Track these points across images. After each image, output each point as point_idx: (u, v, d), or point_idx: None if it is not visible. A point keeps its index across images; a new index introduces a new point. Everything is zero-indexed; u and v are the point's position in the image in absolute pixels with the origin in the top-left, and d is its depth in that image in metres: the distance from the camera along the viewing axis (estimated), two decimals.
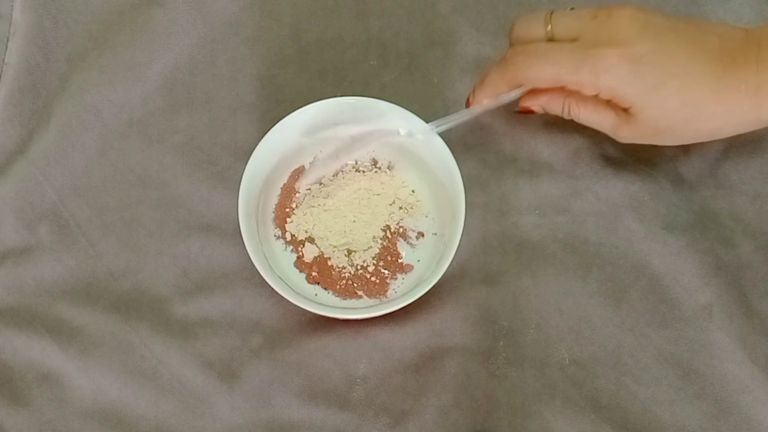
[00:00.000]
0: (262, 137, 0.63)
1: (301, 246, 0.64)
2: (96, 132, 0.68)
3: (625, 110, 0.60)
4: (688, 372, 0.62)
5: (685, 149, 0.68)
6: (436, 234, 0.64)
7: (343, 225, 0.64)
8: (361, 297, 0.63)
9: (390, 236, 0.64)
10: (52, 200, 0.66)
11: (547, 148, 0.68)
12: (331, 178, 0.65)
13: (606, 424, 0.61)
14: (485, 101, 0.62)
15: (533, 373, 0.62)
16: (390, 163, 0.66)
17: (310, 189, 0.65)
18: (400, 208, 0.65)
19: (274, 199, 0.65)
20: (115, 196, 0.67)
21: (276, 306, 0.64)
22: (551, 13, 0.61)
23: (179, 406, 0.62)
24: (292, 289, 0.61)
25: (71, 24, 0.71)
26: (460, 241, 0.60)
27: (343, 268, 0.63)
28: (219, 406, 0.62)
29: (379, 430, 0.61)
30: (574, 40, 0.59)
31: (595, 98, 0.60)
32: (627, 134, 0.61)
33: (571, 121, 0.68)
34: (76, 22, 0.72)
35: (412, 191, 0.65)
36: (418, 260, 0.64)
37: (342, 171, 0.66)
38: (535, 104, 0.63)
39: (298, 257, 0.64)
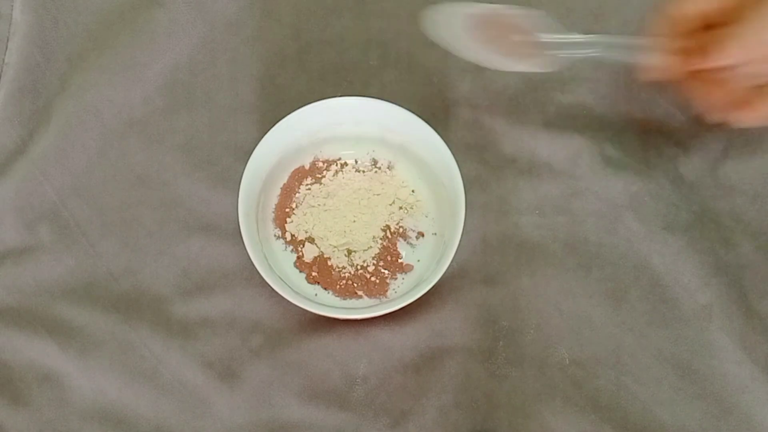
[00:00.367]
0: (262, 137, 0.63)
1: (301, 246, 0.64)
2: (96, 132, 0.68)
3: None
4: (688, 372, 0.62)
5: (685, 149, 0.68)
6: (436, 234, 0.64)
7: (343, 225, 0.64)
8: (361, 297, 0.63)
9: (390, 236, 0.64)
10: (52, 200, 0.66)
11: (547, 148, 0.68)
12: (331, 178, 0.65)
13: (606, 424, 0.61)
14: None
15: (533, 373, 0.62)
16: (390, 163, 0.66)
17: (310, 189, 0.65)
18: (400, 208, 0.65)
19: (274, 199, 0.65)
20: (115, 196, 0.67)
21: (276, 306, 0.64)
22: None
23: (179, 406, 0.62)
24: (292, 289, 0.61)
25: (71, 24, 0.71)
26: (460, 241, 0.60)
27: (343, 268, 0.63)
28: (219, 406, 0.62)
29: (379, 430, 0.61)
30: None
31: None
32: None
33: (572, 121, 0.68)
34: (76, 22, 0.72)
35: (412, 191, 0.65)
36: (418, 260, 0.64)
37: (342, 171, 0.66)
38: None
39: (298, 257, 0.64)
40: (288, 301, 0.59)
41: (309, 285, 0.63)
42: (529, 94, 0.70)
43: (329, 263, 0.63)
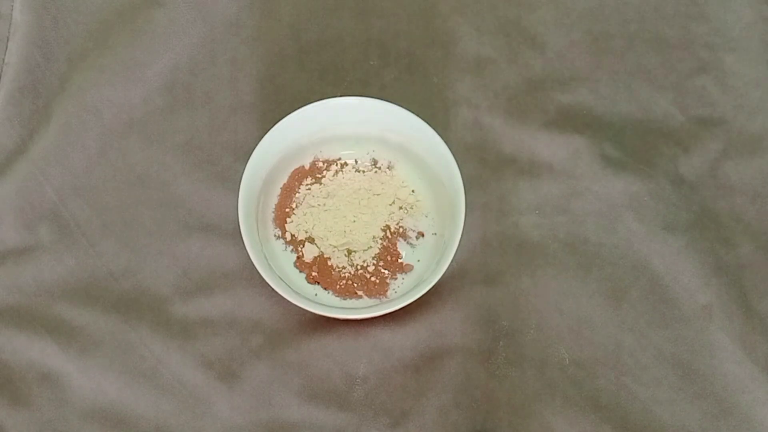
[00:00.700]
0: (262, 137, 0.63)
1: (301, 246, 0.64)
2: (96, 132, 0.68)
3: None
4: (688, 372, 0.62)
5: (685, 149, 0.68)
6: (436, 234, 0.64)
7: (343, 225, 0.64)
8: (361, 297, 0.63)
9: (390, 236, 0.64)
10: (52, 200, 0.66)
11: (547, 148, 0.68)
12: (331, 178, 0.65)
13: (606, 424, 0.61)
14: None
15: (533, 373, 0.62)
16: (390, 163, 0.66)
17: (310, 189, 0.65)
18: (400, 208, 0.65)
19: (274, 199, 0.65)
20: (115, 196, 0.67)
21: (276, 306, 0.64)
22: None
23: (179, 406, 0.62)
24: (292, 289, 0.61)
25: (71, 24, 0.71)
26: (460, 241, 0.60)
27: (343, 268, 0.63)
28: (219, 406, 0.62)
29: (379, 430, 0.61)
30: None
31: None
32: None
33: (571, 121, 0.69)
34: (76, 22, 0.72)
35: (412, 191, 0.65)
36: (418, 260, 0.64)
37: (342, 171, 0.66)
38: None
39: (298, 257, 0.64)
40: (288, 301, 0.59)
41: (309, 285, 0.63)
42: (529, 94, 0.70)
43: (329, 263, 0.63)
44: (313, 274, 0.63)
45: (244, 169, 0.62)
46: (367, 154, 0.66)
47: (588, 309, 0.64)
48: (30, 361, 0.63)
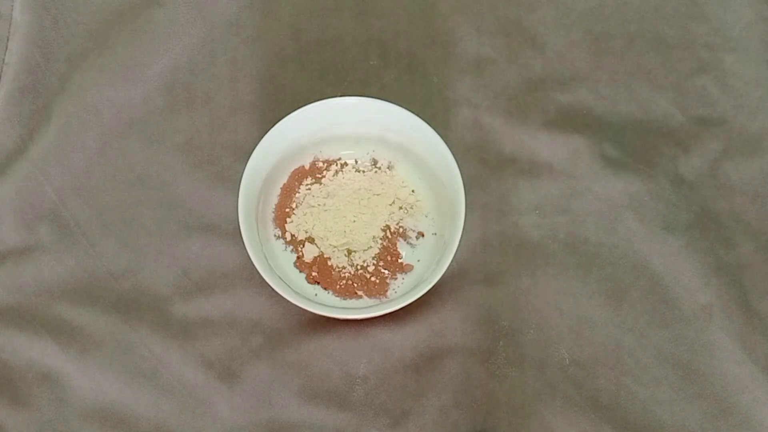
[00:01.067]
0: (262, 137, 0.63)
1: (301, 246, 0.64)
2: (96, 132, 0.68)
3: None
4: (688, 372, 0.62)
5: (685, 149, 0.68)
6: (436, 234, 0.64)
7: (343, 225, 0.64)
8: (361, 297, 0.63)
9: (390, 236, 0.64)
10: (52, 200, 0.66)
11: (547, 148, 0.68)
12: (331, 178, 0.65)
13: (606, 424, 0.61)
14: None
15: (533, 373, 0.62)
16: (390, 163, 0.66)
17: (310, 189, 0.65)
18: (400, 208, 0.65)
19: (274, 199, 0.65)
20: (115, 196, 0.67)
21: (276, 306, 0.64)
22: None
23: (179, 406, 0.62)
24: (292, 289, 0.61)
25: (71, 24, 0.71)
26: (460, 241, 0.60)
27: (343, 268, 0.63)
28: (219, 406, 0.62)
29: (379, 430, 0.61)
30: None
31: None
32: None
33: (571, 121, 0.69)
34: (76, 22, 0.72)
35: (412, 191, 0.65)
36: (418, 260, 0.64)
37: (342, 171, 0.66)
38: None
39: (298, 257, 0.64)
40: (288, 301, 0.59)
41: (309, 285, 0.63)
42: (529, 94, 0.70)
43: (329, 263, 0.63)
44: (313, 274, 0.63)
45: (244, 169, 0.62)
46: (367, 154, 0.66)
47: (588, 309, 0.64)
48: (30, 361, 0.63)
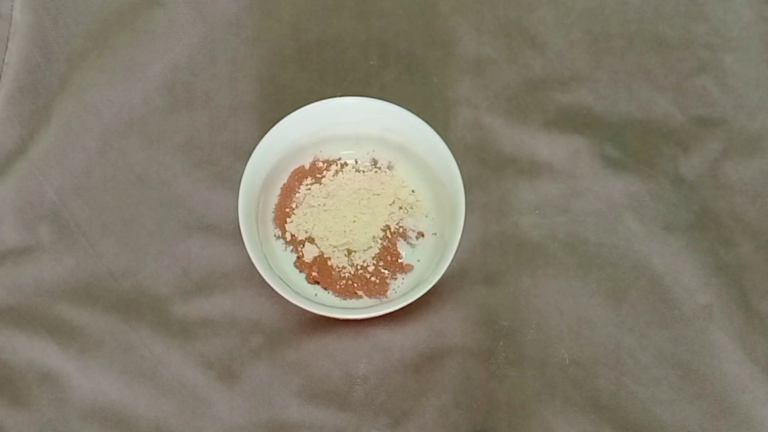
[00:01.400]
0: (262, 137, 0.63)
1: (301, 246, 0.64)
2: (96, 132, 0.68)
3: None
4: (688, 372, 0.62)
5: (685, 149, 0.68)
6: (436, 234, 0.64)
7: (343, 225, 0.64)
8: (361, 297, 0.63)
9: (390, 236, 0.64)
10: (52, 200, 0.66)
11: (547, 148, 0.68)
12: (331, 178, 0.65)
13: (606, 424, 0.61)
14: None
15: (533, 373, 0.62)
16: (390, 163, 0.66)
17: (310, 189, 0.65)
18: (400, 208, 0.65)
19: (274, 199, 0.65)
20: (115, 196, 0.67)
21: (276, 306, 0.64)
22: None
23: (179, 406, 0.62)
24: (292, 289, 0.61)
25: (71, 24, 0.71)
26: (460, 241, 0.60)
27: (343, 268, 0.63)
28: (219, 406, 0.62)
29: (379, 430, 0.61)
30: None
31: None
32: None
33: (571, 121, 0.69)
34: (76, 22, 0.72)
35: (412, 191, 0.65)
36: (418, 260, 0.64)
37: (342, 171, 0.66)
38: None
39: (298, 257, 0.64)
40: (288, 301, 0.59)
41: (309, 285, 0.63)
42: (529, 94, 0.70)
43: (329, 263, 0.63)
44: (313, 274, 0.63)
45: (244, 169, 0.62)
46: (367, 154, 0.66)
47: (588, 309, 0.64)
48: (30, 361, 0.63)
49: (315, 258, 0.63)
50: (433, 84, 0.70)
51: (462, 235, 0.60)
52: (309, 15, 0.72)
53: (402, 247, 0.64)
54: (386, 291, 0.63)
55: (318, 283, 0.63)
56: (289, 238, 0.64)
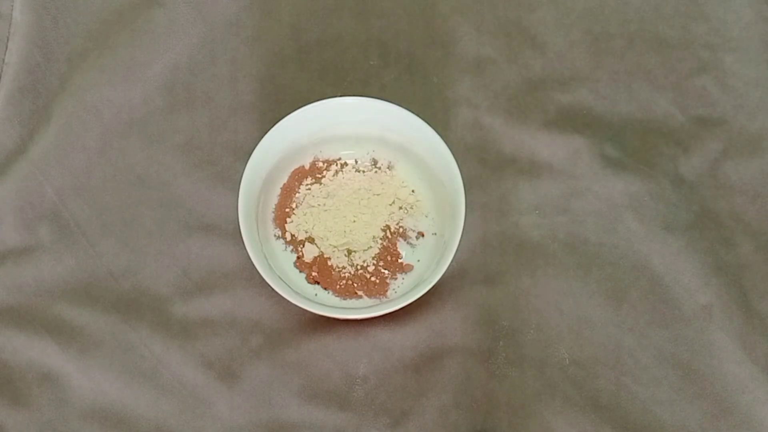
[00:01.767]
0: (262, 137, 0.63)
1: (301, 246, 0.64)
2: (96, 132, 0.68)
3: None
4: (688, 372, 0.62)
5: (685, 149, 0.68)
6: (436, 234, 0.64)
7: (343, 225, 0.64)
8: (361, 297, 0.63)
9: (390, 236, 0.64)
10: (52, 200, 0.66)
11: (547, 148, 0.68)
12: (331, 178, 0.65)
13: (606, 424, 0.61)
14: None
15: (533, 373, 0.62)
16: (390, 163, 0.66)
17: (310, 189, 0.65)
18: (400, 208, 0.65)
19: (274, 199, 0.65)
20: (115, 196, 0.67)
21: (276, 306, 0.64)
22: None
23: (179, 406, 0.62)
24: (292, 289, 0.61)
25: (71, 24, 0.71)
26: (460, 241, 0.60)
27: (343, 268, 0.63)
28: (219, 406, 0.62)
29: (379, 430, 0.61)
30: None
31: None
32: None
33: (571, 121, 0.69)
34: (76, 22, 0.72)
35: (412, 191, 0.65)
36: (418, 260, 0.64)
37: (342, 171, 0.66)
38: None
39: (298, 257, 0.64)
40: (288, 301, 0.59)
41: (309, 285, 0.63)
42: (529, 94, 0.70)
43: (329, 263, 0.63)
44: (313, 274, 0.63)
45: (244, 169, 0.62)
46: (367, 154, 0.66)
47: (588, 309, 0.64)
48: (30, 361, 0.63)
49: (315, 258, 0.63)
50: (433, 84, 0.70)
51: (462, 235, 0.60)
52: (309, 15, 0.72)
53: (402, 247, 0.64)
54: (386, 291, 0.63)
55: (318, 283, 0.63)
56: (289, 238, 0.64)
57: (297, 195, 0.65)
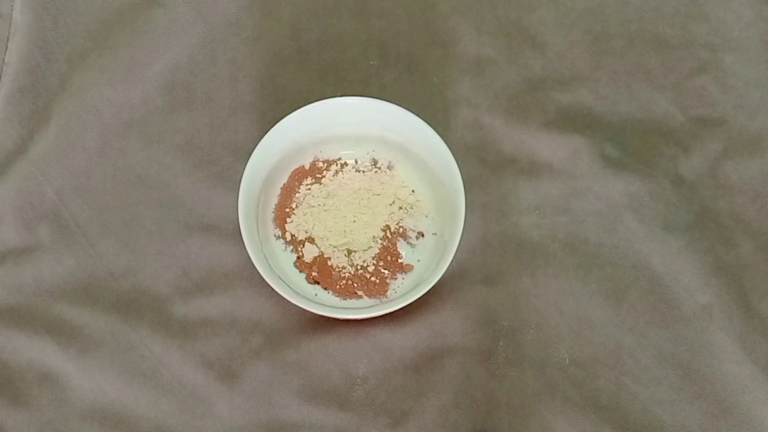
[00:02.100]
0: (262, 137, 0.63)
1: (301, 246, 0.64)
2: (96, 132, 0.68)
3: None
4: (688, 372, 0.62)
5: (685, 149, 0.68)
6: (436, 234, 0.64)
7: (343, 225, 0.64)
8: (361, 297, 0.63)
9: (390, 236, 0.64)
10: (52, 200, 0.66)
11: (547, 148, 0.68)
12: (331, 178, 0.65)
13: (606, 424, 0.61)
14: None
15: (533, 373, 0.62)
16: (390, 163, 0.66)
17: (310, 189, 0.65)
18: (400, 208, 0.65)
19: (274, 199, 0.65)
20: (115, 196, 0.67)
21: (276, 306, 0.64)
22: None
23: (179, 406, 0.62)
24: (292, 289, 0.61)
25: (71, 24, 0.71)
26: (460, 241, 0.60)
27: (343, 268, 0.63)
28: (219, 406, 0.62)
29: (379, 430, 0.61)
30: None
31: None
32: None
33: (571, 121, 0.69)
34: (76, 22, 0.72)
35: (412, 191, 0.65)
36: (418, 260, 0.64)
37: (342, 171, 0.66)
38: None
39: (298, 257, 0.64)
40: (288, 301, 0.59)
41: (309, 285, 0.63)
42: (529, 94, 0.70)
43: (329, 263, 0.63)
44: (313, 274, 0.63)
45: (244, 169, 0.62)
46: (367, 154, 0.66)
47: (588, 309, 0.64)
48: (30, 361, 0.63)
49: (315, 258, 0.63)
50: (433, 84, 0.70)
51: (462, 235, 0.60)
52: (309, 15, 0.72)
53: (402, 247, 0.64)
54: (386, 291, 0.63)
55: (318, 283, 0.63)
56: (289, 238, 0.64)
57: (297, 195, 0.65)
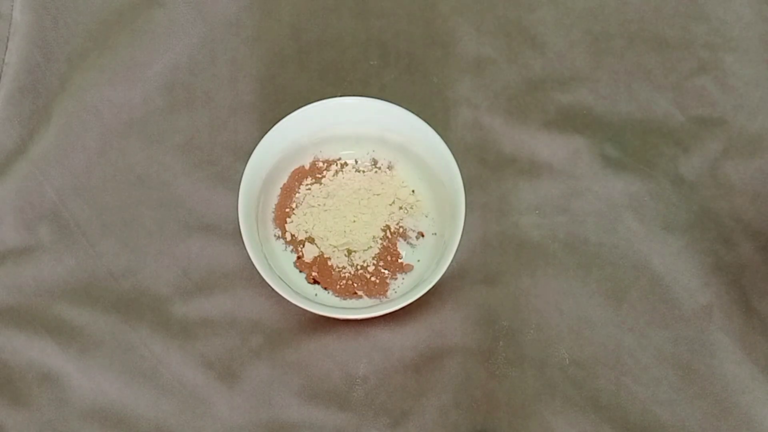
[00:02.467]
0: (262, 137, 0.63)
1: (301, 246, 0.64)
2: (96, 132, 0.68)
3: None
4: (688, 372, 0.62)
5: (685, 149, 0.68)
6: (436, 234, 0.64)
7: (343, 225, 0.64)
8: (361, 297, 0.63)
9: (390, 236, 0.64)
10: (52, 200, 0.66)
11: (547, 148, 0.68)
12: (331, 178, 0.65)
13: (606, 424, 0.61)
14: None
15: (533, 373, 0.62)
16: (390, 163, 0.66)
17: (310, 189, 0.65)
18: (400, 208, 0.65)
19: (274, 199, 0.65)
20: (115, 196, 0.67)
21: (276, 306, 0.64)
22: None
23: (179, 406, 0.62)
24: (292, 289, 0.61)
25: (71, 24, 0.71)
26: (460, 241, 0.60)
27: (343, 268, 0.63)
28: (219, 406, 0.62)
29: (379, 430, 0.61)
30: None
31: None
32: None
33: (571, 121, 0.69)
34: (76, 22, 0.72)
35: (412, 191, 0.65)
36: (418, 260, 0.64)
37: (342, 171, 0.66)
38: None
39: (298, 257, 0.64)
40: (288, 301, 0.59)
41: (309, 285, 0.63)
42: (529, 94, 0.70)
43: (329, 263, 0.63)
44: (313, 274, 0.63)
45: (244, 169, 0.62)
46: (367, 154, 0.66)
47: (588, 309, 0.64)
48: (30, 361, 0.63)
49: (315, 258, 0.63)
50: (433, 84, 0.70)
51: (462, 235, 0.60)
52: (309, 15, 0.72)
53: (402, 247, 0.64)
54: (386, 291, 0.63)
55: (318, 283, 0.63)
56: (289, 238, 0.64)
57: (297, 195, 0.65)
